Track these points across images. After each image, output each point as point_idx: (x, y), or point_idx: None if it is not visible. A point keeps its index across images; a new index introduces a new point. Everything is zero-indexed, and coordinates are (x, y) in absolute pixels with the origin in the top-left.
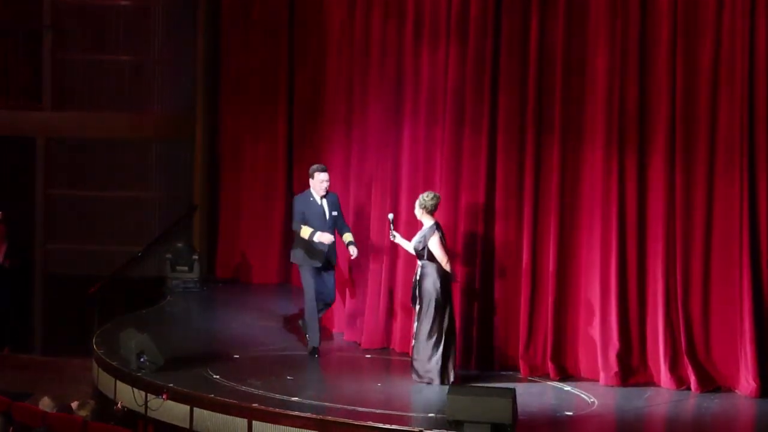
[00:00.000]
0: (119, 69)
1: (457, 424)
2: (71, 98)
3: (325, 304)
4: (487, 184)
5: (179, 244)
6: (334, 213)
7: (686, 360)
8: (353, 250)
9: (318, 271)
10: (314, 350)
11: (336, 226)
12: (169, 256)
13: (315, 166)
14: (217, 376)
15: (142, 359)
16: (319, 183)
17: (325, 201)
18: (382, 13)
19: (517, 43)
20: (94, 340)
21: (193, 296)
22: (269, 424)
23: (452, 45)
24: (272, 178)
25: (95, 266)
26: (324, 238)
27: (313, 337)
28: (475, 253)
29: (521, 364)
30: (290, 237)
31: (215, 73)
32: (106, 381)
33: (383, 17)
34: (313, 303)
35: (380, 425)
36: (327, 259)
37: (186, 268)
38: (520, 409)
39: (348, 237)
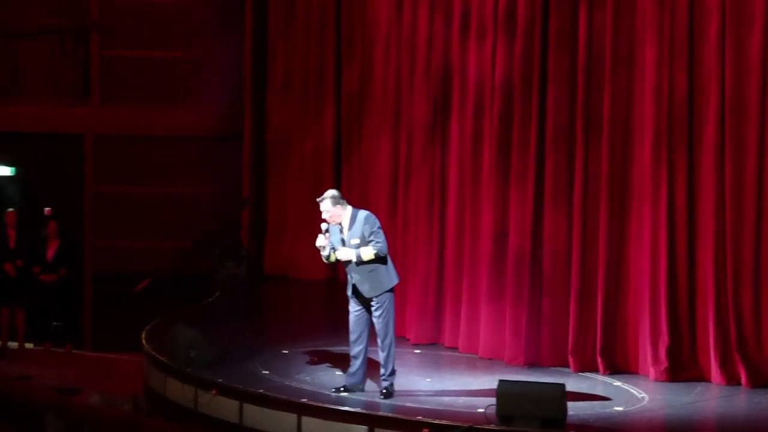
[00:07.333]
0: (166, 65)
1: (507, 419)
2: (119, 95)
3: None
4: (536, 178)
5: (227, 240)
6: (355, 241)
7: (737, 355)
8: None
9: (356, 303)
10: (337, 389)
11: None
12: (217, 251)
13: None
14: (267, 372)
15: (191, 355)
16: None
17: (344, 230)
18: (428, 6)
19: (566, 37)
20: (143, 336)
21: (242, 292)
22: (318, 420)
23: (500, 39)
24: (320, 173)
25: (144, 263)
26: (340, 255)
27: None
28: (525, 248)
29: (570, 359)
30: None
31: (263, 68)
32: (155, 377)
33: (430, 11)
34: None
35: (429, 420)
36: (355, 288)
37: (234, 264)
38: (569, 404)
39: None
